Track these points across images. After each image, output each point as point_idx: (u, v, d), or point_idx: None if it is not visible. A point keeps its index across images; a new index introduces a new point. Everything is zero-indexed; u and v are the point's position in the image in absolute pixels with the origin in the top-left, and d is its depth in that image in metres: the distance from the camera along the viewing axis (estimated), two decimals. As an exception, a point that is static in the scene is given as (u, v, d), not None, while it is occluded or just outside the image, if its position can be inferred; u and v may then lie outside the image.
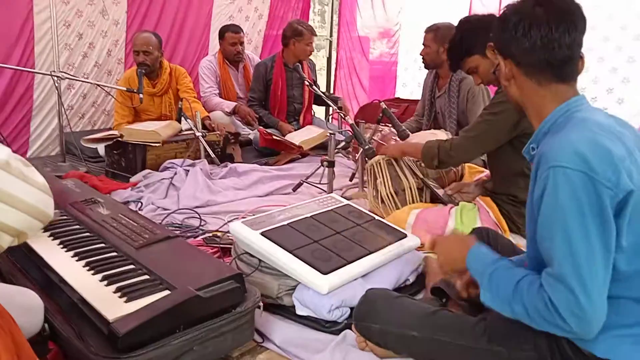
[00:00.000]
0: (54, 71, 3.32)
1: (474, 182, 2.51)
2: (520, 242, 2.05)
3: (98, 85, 3.72)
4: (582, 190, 1.04)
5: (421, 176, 2.53)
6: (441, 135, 2.75)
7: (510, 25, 1.23)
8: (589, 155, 1.06)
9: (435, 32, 3.22)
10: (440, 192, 2.49)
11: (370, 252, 1.82)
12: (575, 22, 1.19)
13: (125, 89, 3.41)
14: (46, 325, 1.31)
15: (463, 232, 2.13)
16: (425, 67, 3.43)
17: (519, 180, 2.16)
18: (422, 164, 2.48)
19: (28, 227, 0.94)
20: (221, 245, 2.16)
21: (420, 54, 3.34)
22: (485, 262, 1.24)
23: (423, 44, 3.30)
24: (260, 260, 1.79)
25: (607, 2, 4.17)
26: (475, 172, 2.74)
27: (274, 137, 3.71)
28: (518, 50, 1.24)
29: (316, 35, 4.13)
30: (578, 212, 1.04)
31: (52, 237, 1.66)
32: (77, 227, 1.77)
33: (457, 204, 2.31)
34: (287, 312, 1.72)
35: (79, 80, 3.77)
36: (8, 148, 0.93)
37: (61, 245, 1.62)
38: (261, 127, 3.94)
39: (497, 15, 1.35)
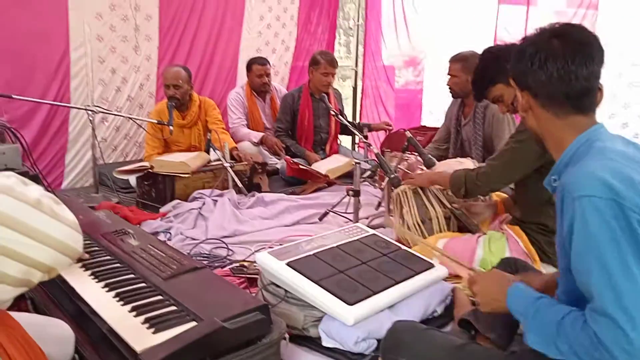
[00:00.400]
0: (89, 105, 3.44)
1: (485, 203, 2.47)
2: (551, 272, 2.00)
3: (130, 118, 3.84)
4: (612, 217, 1.02)
5: (449, 205, 2.51)
6: (468, 163, 2.73)
7: (526, 57, 1.23)
8: (613, 182, 1.04)
9: (463, 62, 3.21)
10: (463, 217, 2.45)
11: (397, 283, 1.80)
12: (592, 54, 1.18)
13: (156, 121, 3.50)
14: (76, 355, 1.34)
15: (491, 263, 2.10)
16: (453, 97, 3.41)
17: (548, 209, 2.12)
18: (449, 193, 2.47)
19: (58, 263, 0.98)
20: (248, 276, 2.18)
21: (448, 85, 3.33)
22: (526, 302, 1.19)
23: (450, 74, 3.30)
24: (286, 291, 1.79)
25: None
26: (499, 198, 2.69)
27: (301, 166, 3.75)
28: (535, 83, 1.23)
29: (334, 66, 4.10)
30: (611, 240, 1.01)
31: (83, 268, 1.70)
32: (108, 257, 1.80)
33: (485, 233, 2.29)
34: (313, 343, 1.72)
35: (112, 114, 3.90)
36: (40, 186, 0.98)
37: (92, 276, 1.66)
38: (288, 157, 3.98)
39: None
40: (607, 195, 1.03)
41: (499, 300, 1.26)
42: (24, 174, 2.28)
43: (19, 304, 1.65)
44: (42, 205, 0.94)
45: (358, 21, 5.96)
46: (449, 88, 3.34)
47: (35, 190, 0.95)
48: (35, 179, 2.92)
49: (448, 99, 3.54)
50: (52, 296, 1.67)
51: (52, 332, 1.29)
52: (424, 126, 5.03)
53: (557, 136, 1.24)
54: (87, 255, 1.69)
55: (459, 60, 3.25)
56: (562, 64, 1.18)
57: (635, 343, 0.96)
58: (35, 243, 0.92)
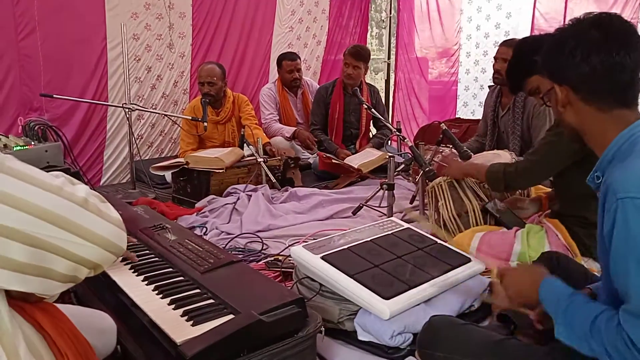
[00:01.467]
0: (126, 103, 3.52)
1: (529, 198, 2.41)
2: (592, 266, 1.95)
3: (165, 115, 3.91)
4: None
5: (486, 200, 2.47)
6: (504, 155, 2.68)
7: (566, 51, 1.18)
8: None
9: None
10: (494, 205, 2.40)
11: (433, 277, 1.78)
12: (635, 43, 1.14)
13: (190, 117, 3.56)
14: (119, 347, 1.37)
15: (530, 257, 2.06)
16: (498, 83, 3.31)
17: (589, 201, 2.05)
18: (486, 186, 2.43)
19: (103, 260, 1.01)
20: (282, 269, 2.19)
21: (496, 68, 3.22)
22: (559, 296, 1.17)
23: (500, 57, 3.18)
24: (321, 285, 1.79)
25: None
26: (543, 193, 2.63)
27: (334, 160, 3.74)
28: (577, 76, 1.18)
29: (355, 57, 4.01)
30: None
31: (124, 262, 1.74)
32: (147, 252, 1.84)
33: (523, 226, 2.24)
34: (348, 337, 1.71)
35: (148, 111, 3.98)
36: (86, 186, 1.01)
37: (132, 270, 1.69)
38: (320, 152, 3.98)
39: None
40: None
41: (529, 293, 1.25)
42: (65, 170, 2.35)
43: (62, 296, 1.70)
44: (89, 204, 0.97)
45: (390, 13, 5.91)
46: (495, 73, 3.24)
47: (82, 190, 0.98)
48: (77, 175, 3.00)
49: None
50: (94, 289, 1.71)
51: (95, 323, 1.32)
52: (459, 118, 4.96)
53: (599, 131, 1.20)
54: (136, 259, 1.72)
55: (512, 45, 3.15)
56: (607, 56, 1.13)
57: None
58: (83, 241, 0.95)
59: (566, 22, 1.25)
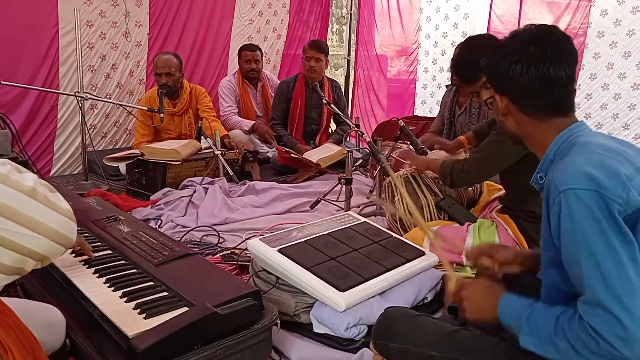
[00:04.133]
0: (78, 92, 3.41)
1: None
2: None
3: (120, 105, 3.81)
4: (597, 209, 1.03)
5: (440, 195, 2.52)
6: (461, 154, 2.74)
7: (505, 64, 1.23)
8: (597, 174, 1.04)
9: None
10: (446, 202, 2.46)
11: (388, 270, 1.81)
12: (569, 56, 1.20)
13: (146, 108, 3.47)
14: (67, 340, 1.33)
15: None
16: (456, 84, 3.34)
17: (535, 197, 2.14)
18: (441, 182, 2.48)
19: (52, 251, 0.97)
20: (239, 263, 2.18)
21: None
22: (519, 307, 1.18)
23: None
24: (277, 278, 1.79)
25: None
26: (494, 189, 2.71)
27: (292, 154, 3.74)
28: (516, 90, 1.23)
29: (316, 49, 4.03)
30: (599, 231, 1.02)
31: (74, 255, 1.69)
32: (99, 244, 1.79)
33: (475, 221, 2.30)
34: (304, 329, 1.72)
35: (102, 101, 3.86)
36: (34, 174, 0.97)
37: (83, 262, 1.65)
38: (280, 146, 3.97)
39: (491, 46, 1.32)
40: (591, 187, 1.04)
41: (486, 310, 1.26)
42: (13, 159, 2.25)
43: (8, 289, 1.63)
44: (37, 194, 0.93)
45: (351, 10, 5.93)
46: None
47: (30, 179, 0.94)
48: (25, 165, 2.89)
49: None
50: (43, 282, 1.66)
51: (42, 317, 1.28)
52: (416, 115, 5.04)
53: (538, 137, 1.26)
54: (92, 255, 1.67)
55: None
56: (544, 71, 1.18)
57: (631, 330, 0.97)
58: (30, 232, 0.91)
59: (508, 34, 1.30)
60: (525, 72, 1.20)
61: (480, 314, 1.31)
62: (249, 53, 4.42)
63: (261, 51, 4.51)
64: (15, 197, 0.89)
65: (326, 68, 4.21)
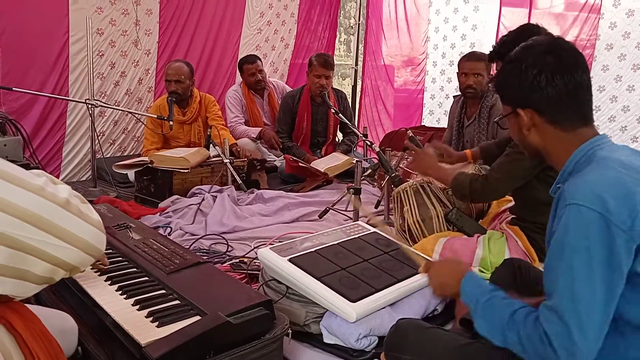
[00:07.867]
0: (88, 99, 3.43)
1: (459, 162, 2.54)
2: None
3: (130, 112, 3.82)
4: (594, 231, 1.03)
5: (449, 206, 2.51)
6: (470, 166, 2.72)
7: (529, 77, 1.23)
8: (607, 195, 1.04)
9: (485, 61, 3.10)
10: (455, 214, 2.43)
11: (399, 281, 1.81)
12: (584, 63, 1.23)
13: (156, 116, 3.49)
14: (79, 348, 1.33)
15: (491, 263, 2.11)
16: (472, 97, 3.28)
17: (547, 209, 2.11)
18: (450, 193, 2.47)
19: (82, 262, 0.99)
20: (248, 272, 2.17)
21: (470, 84, 3.20)
22: (481, 290, 1.25)
23: (475, 73, 3.17)
24: (287, 287, 1.79)
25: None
26: (504, 201, 2.70)
27: (300, 163, 3.75)
28: (543, 100, 1.23)
29: (327, 67, 3.99)
30: (585, 252, 1.03)
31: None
32: (110, 251, 1.80)
33: (484, 232, 2.29)
34: (314, 340, 1.71)
35: (112, 108, 3.88)
36: (67, 186, 0.98)
37: (95, 270, 1.65)
38: (287, 155, 3.98)
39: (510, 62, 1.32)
40: (595, 207, 1.03)
41: (450, 285, 1.34)
42: (25, 166, 2.27)
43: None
44: (71, 205, 0.94)
45: (359, 20, 5.96)
46: (469, 87, 3.22)
47: (64, 190, 0.95)
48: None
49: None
50: (55, 288, 1.66)
51: (56, 324, 1.27)
52: (424, 126, 5.04)
53: (561, 149, 1.25)
54: (107, 263, 1.66)
55: (483, 59, 3.14)
56: (569, 78, 1.20)
57: (579, 346, 1.01)
58: (63, 243, 0.92)
59: (515, 50, 1.31)
60: (551, 81, 1.21)
61: (445, 290, 1.42)
62: (251, 66, 4.41)
63: (260, 59, 4.51)
64: (50, 209, 0.90)
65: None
